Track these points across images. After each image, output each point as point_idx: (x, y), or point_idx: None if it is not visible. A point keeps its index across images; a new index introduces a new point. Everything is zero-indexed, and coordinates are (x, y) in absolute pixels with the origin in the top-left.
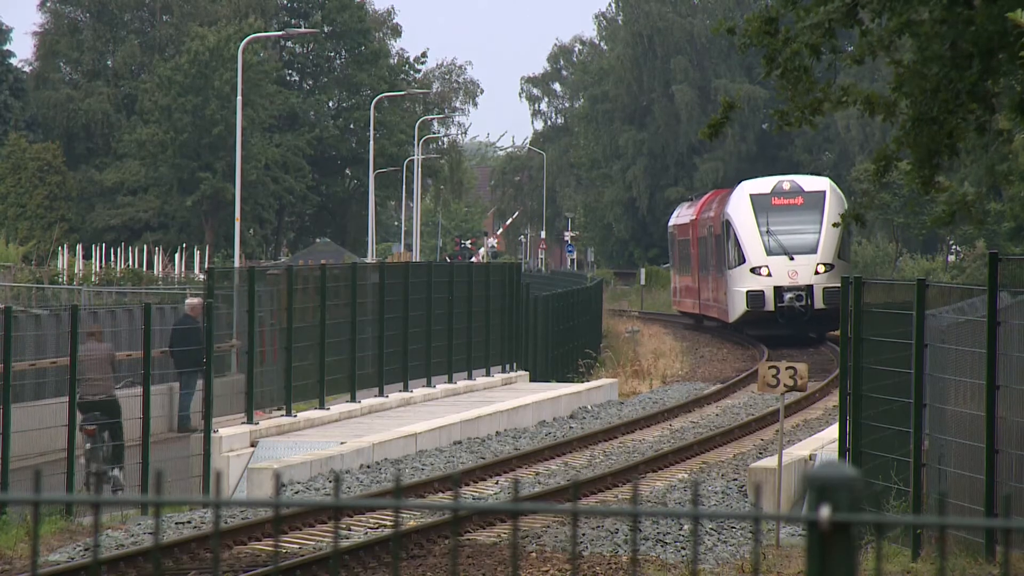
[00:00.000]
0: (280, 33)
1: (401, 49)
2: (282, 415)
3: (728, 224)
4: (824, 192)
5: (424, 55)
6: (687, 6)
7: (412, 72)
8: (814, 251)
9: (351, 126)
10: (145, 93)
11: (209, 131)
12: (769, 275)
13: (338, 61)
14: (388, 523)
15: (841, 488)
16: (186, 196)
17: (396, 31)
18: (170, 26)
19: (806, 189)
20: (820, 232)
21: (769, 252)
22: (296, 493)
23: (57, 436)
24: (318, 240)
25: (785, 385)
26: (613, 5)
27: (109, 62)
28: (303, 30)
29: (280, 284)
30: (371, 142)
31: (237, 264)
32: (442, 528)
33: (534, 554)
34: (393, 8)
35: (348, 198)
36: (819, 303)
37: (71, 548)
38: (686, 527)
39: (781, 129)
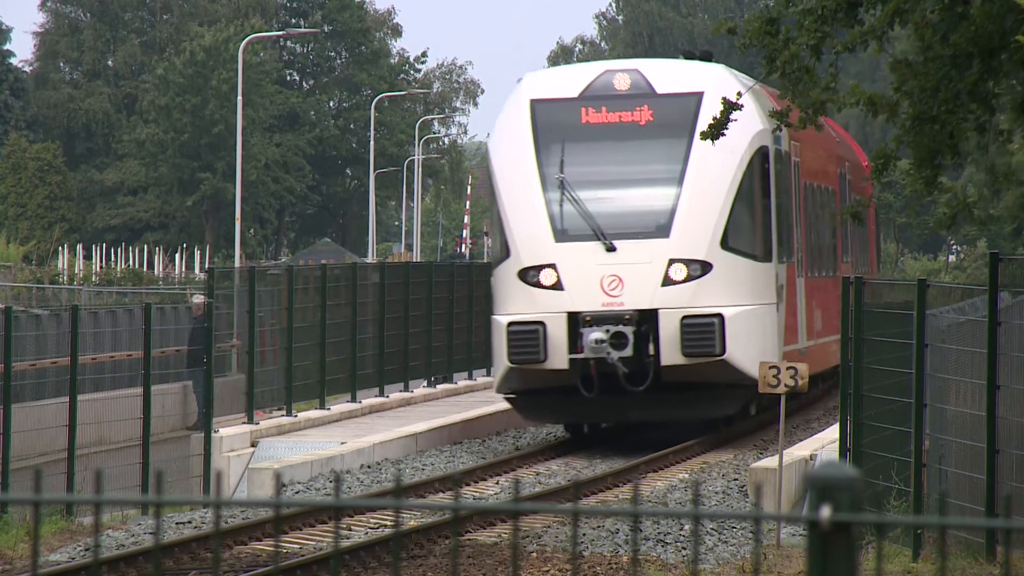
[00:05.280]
0: (280, 33)
1: (401, 49)
2: (282, 415)
3: (488, 170)
4: (700, 96)
5: (424, 55)
6: (687, 6)
7: (412, 72)
8: (665, 232)
9: (351, 126)
10: (145, 93)
11: (209, 131)
12: (558, 286)
13: (338, 61)
14: (389, 523)
15: (842, 488)
16: (186, 196)
17: (396, 31)
18: (170, 26)
19: (660, 90)
20: (681, 187)
21: (561, 234)
22: (296, 493)
23: (57, 436)
24: (319, 240)
25: (786, 385)
26: (613, 5)
27: (109, 62)
28: (303, 30)
29: (280, 284)
30: (371, 142)
31: (237, 264)
32: (442, 528)
33: (535, 554)
34: (393, 8)
35: (348, 198)
36: (671, 355)
37: (71, 548)
38: (687, 527)
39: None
